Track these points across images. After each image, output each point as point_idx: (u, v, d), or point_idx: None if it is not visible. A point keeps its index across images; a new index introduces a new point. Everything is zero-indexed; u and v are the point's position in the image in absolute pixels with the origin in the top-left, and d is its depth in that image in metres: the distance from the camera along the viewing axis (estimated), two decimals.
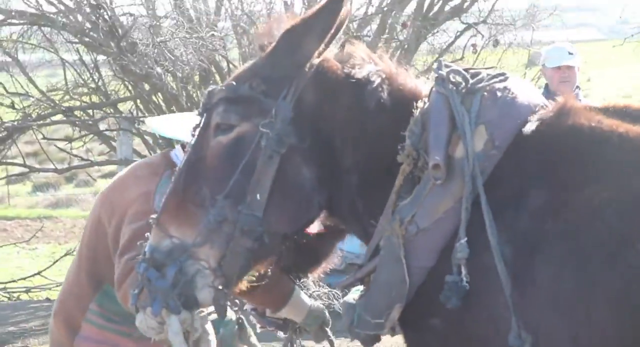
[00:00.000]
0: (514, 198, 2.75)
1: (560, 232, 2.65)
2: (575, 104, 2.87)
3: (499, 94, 2.86)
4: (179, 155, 3.95)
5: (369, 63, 3.00)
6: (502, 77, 2.90)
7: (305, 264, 3.35)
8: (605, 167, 2.70)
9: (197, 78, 11.28)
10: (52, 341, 4.31)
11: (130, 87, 12.03)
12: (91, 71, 12.02)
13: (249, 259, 2.93)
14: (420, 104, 2.90)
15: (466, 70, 2.94)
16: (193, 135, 3.04)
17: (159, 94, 11.55)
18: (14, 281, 11.93)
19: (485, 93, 2.85)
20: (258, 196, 2.89)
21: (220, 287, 2.92)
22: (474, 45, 11.80)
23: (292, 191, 2.94)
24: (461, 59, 11.44)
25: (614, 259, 2.57)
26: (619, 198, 2.62)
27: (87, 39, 11.13)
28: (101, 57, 11.85)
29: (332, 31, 2.97)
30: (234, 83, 2.99)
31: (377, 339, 2.98)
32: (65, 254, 12.55)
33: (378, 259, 2.87)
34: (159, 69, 10.69)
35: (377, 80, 2.95)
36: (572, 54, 7.43)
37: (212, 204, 2.90)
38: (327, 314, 3.91)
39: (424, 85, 3.03)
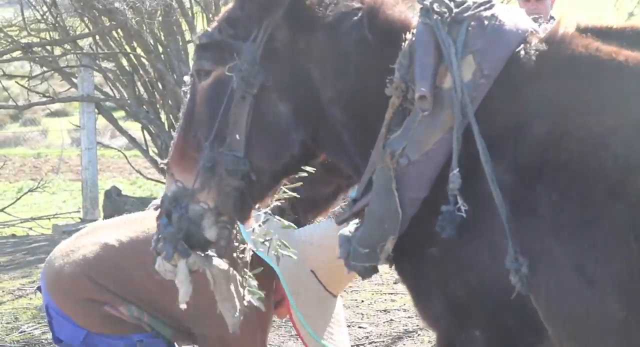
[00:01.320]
0: (514, 128, 2.74)
1: (563, 162, 2.63)
2: (570, 30, 2.83)
3: (486, 22, 2.82)
4: None
5: None
6: (488, 5, 2.87)
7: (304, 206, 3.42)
8: (606, 96, 2.67)
9: (159, 14, 11.15)
10: (59, 282, 4.20)
11: (89, 23, 11.86)
12: (49, 7, 11.81)
13: (240, 198, 3.01)
14: (409, 36, 2.89)
15: None
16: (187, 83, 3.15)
17: (120, 30, 11.42)
18: None
19: (473, 22, 2.83)
20: (237, 136, 2.96)
21: (223, 224, 3.03)
22: None
23: (269, 127, 2.99)
24: None
25: (620, 188, 2.53)
26: (622, 126, 2.59)
27: None
28: None
29: None
30: (209, 29, 3.06)
31: (375, 270, 3.01)
32: (29, 191, 12.49)
33: (371, 192, 2.90)
34: (118, 4, 10.54)
35: (356, 15, 2.93)
36: None
37: (204, 148, 3.00)
38: None
39: (413, 15, 2.99)
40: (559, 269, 2.62)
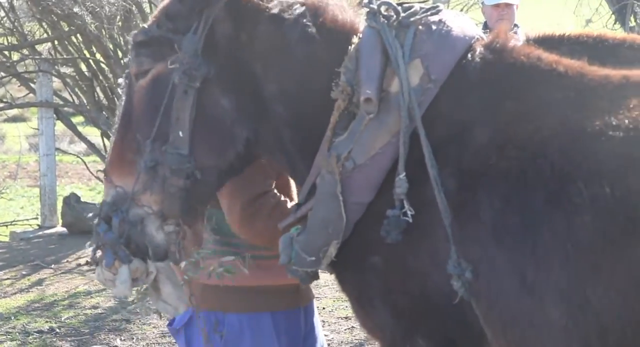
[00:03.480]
0: (457, 134, 2.74)
1: (505, 169, 2.64)
2: (510, 38, 2.84)
3: (433, 27, 2.82)
4: None
5: None
6: (435, 10, 2.87)
7: None
8: (545, 105, 2.69)
9: (119, 20, 11.07)
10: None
11: (48, 28, 11.74)
12: (7, 11, 11.69)
13: (187, 199, 2.94)
14: (355, 39, 2.87)
15: (399, 4, 2.90)
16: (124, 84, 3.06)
17: (79, 35, 11.32)
18: None
19: (420, 26, 2.83)
20: (180, 132, 2.90)
21: (170, 230, 2.96)
22: None
23: (212, 123, 2.94)
24: None
25: (557, 197, 2.56)
26: (559, 135, 2.62)
27: None
28: None
29: None
30: (145, 26, 3.00)
31: (316, 276, 2.99)
32: None
33: (315, 196, 2.87)
34: (77, 9, 10.45)
35: (298, 12, 2.91)
36: None
37: (144, 149, 2.92)
38: None
39: (359, 20, 2.98)
40: (500, 275, 2.63)
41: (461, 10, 11.45)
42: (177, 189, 2.91)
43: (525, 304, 2.60)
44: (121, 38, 11.34)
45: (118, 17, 10.60)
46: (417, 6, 2.89)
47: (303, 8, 2.91)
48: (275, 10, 2.91)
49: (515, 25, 7.51)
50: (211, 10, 2.91)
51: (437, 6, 2.90)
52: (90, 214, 3.13)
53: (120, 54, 11.34)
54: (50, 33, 11.67)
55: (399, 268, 2.80)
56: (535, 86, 2.74)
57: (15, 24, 11.69)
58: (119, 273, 2.96)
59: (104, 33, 10.94)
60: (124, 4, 10.35)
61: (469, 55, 2.81)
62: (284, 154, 3.01)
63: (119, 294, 3.02)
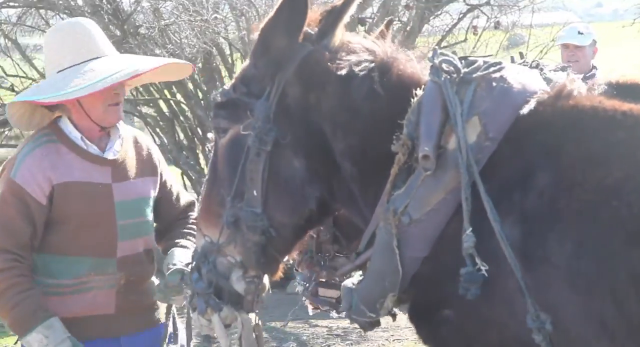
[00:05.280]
0: (519, 180, 2.71)
1: (576, 211, 2.60)
2: (574, 86, 2.82)
3: (494, 84, 2.81)
4: (66, 125, 3.89)
5: (363, 51, 3.00)
6: (499, 67, 2.86)
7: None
8: (612, 146, 2.65)
9: (199, 61, 11.25)
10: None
11: None
12: None
13: (263, 252, 3.06)
14: (419, 92, 2.87)
15: (463, 58, 2.91)
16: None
17: None
18: None
19: (481, 82, 2.82)
20: (254, 192, 3.02)
21: (251, 279, 3.11)
22: (474, 27, 11.79)
23: (284, 183, 3.03)
24: (464, 40, 11.46)
25: (636, 238, 2.50)
26: (632, 176, 2.56)
27: None
28: None
29: (313, 22, 3.02)
30: (225, 87, 3.13)
31: (376, 324, 3.03)
32: None
33: (373, 247, 2.90)
34: (159, 51, 10.64)
35: (367, 69, 2.94)
36: (582, 33, 7.34)
37: (226, 204, 3.07)
38: None
39: (425, 72, 2.98)
40: (579, 320, 2.58)
41: (540, 51, 11.42)
42: (253, 243, 3.04)
43: None
44: (201, 79, 11.53)
45: (198, 58, 10.76)
46: (480, 61, 2.89)
47: (372, 65, 2.96)
48: (342, 72, 2.96)
49: (594, 67, 7.41)
50: (283, 74, 2.99)
51: (500, 62, 2.89)
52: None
53: (200, 94, 11.52)
54: None
55: (473, 320, 2.77)
56: (599, 127, 2.70)
57: None
58: (213, 323, 3.14)
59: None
60: (204, 46, 10.52)
61: (529, 107, 2.79)
62: (356, 207, 3.07)
63: (222, 342, 3.19)
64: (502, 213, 2.67)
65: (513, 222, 2.67)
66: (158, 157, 4.08)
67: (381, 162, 2.90)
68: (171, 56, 10.87)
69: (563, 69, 4.40)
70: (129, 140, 3.99)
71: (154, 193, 4.01)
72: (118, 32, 10.83)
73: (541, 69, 4.24)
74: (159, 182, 4.05)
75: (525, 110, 2.78)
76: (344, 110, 2.97)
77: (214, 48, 11.11)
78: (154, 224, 4.06)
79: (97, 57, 3.80)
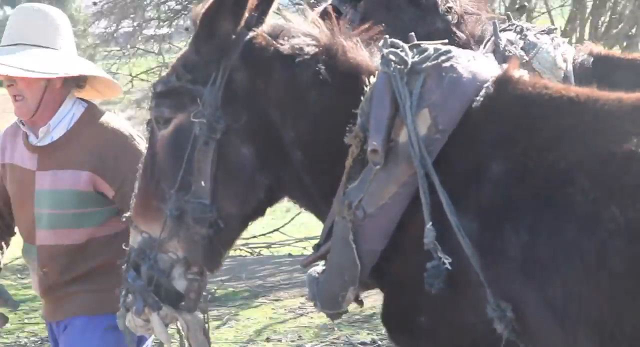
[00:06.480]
0: (474, 172, 2.68)
1: (529, 199, 2.59)
2: (515, 71, 2.79)
3: (443, 74, 2.76)
4: None
5: (305, 36, 2.93)
6: (448, 55, 2.80)
7: None
8: (563, 133, 2.63)
9: None
10: None
11: None
12: None
13: (210, 246, 2.97)
14: (372, 80, 2.83)
15: (415, 46, 2.85)
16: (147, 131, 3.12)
17: None
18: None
19: (430, 73, 2.77)
20: (202, 182, 2.92)
21: (193, 276, 3.03)
22: None
23: (234, 172, 2.94)
24: None
25: (590, 224, 2.48)
26: (586, 161, 2.55)
27: None
28: None
29: (251, 7, 2.95)
30: (165, 76, 3.03)
31: (343, 313, 2.97)
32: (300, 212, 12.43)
33: (331, 240, 2.86)
34: None
35: (310, 53, 2.89)
36: None
37: (169, 197, 2.97)
38: None
39: (375, 59, 2.92)
40: (534, 310, 2.57)
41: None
42: (200, 236, 2.94)
43: (559, 339, 2.54)
44: None
45: None
46: (431, 49, 2.83)
47: (315, 50, 2.91)
48: (287, 57, 2.90)
49: None
50: (228, 60, 2.93)
51: (450, 51, 2.81)
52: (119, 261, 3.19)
53: None
54: None
55: (445, 324, 2.75)
56: (546, 115, 2.68)
57: None
58: (152, 323, 3.02)
59: None
60: None
61: (479, 98, 2.75)
62: (307, 197, 3.02)
63: (163, 340, 3.10)
64: (458, 206, 2.65)
65: (471, 215, 2.65)
66: (119, 153, 3.92)
67: (336, 152, 2.85)
68: None
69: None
70: (86, 130, 3.94)
71: (90, 188, 3.91)
72: None
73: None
74: (108, 177, 3.91)
75: (474, 100, 2.74)
76: (290, 98, 2.91)
77: None
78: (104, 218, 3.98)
79: (36, 46, 3.83)
